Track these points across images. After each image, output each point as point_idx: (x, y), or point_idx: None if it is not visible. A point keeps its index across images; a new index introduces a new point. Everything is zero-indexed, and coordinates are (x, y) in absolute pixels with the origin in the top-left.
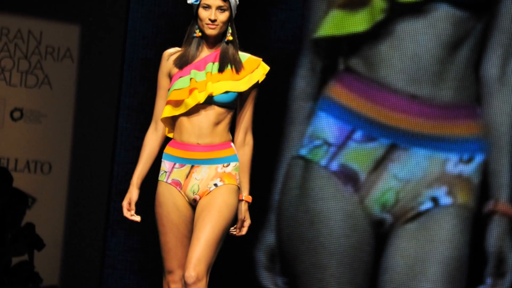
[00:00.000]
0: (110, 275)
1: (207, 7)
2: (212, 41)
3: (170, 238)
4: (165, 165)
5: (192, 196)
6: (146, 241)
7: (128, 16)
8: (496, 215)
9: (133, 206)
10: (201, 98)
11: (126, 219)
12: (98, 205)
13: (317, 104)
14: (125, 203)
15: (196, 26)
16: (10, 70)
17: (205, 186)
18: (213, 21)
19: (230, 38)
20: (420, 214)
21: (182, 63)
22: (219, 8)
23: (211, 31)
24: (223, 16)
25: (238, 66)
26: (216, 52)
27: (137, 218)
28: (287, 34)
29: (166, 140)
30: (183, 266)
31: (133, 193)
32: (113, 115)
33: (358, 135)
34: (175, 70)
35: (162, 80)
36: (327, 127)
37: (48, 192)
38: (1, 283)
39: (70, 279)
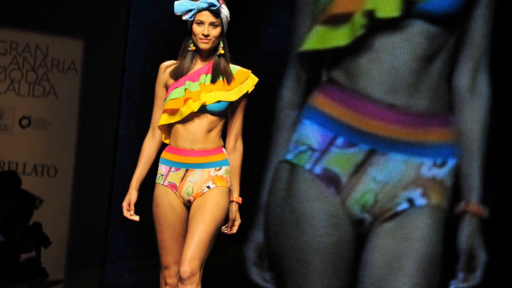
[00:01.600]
0: (111, 271)
1: (201, 23)
2: (205, 55)
3: (167, 236)
4: (162, 169)
5: (186, 197)
6: (145, 239)
7: (128, 31)
8: (467, 215)
9: (132, 207)
10: (195, 107)
11: (126, 218)
12: (100, 205)
13: (302, 112)
14: (125, 204)
15: (190, 41)
16: (19, 81)
17: (198, 188)
18: (206, 36)
19: (222, 51)
20: (397, 214)
21: (177, 74)
22: (212, 24)
23: (204, 45)
24: (215, 32)
25: (229, 78)
26: (209, 64)
27: (136, 218)
28: (275, 48)
29: (162, 146)
30: (178, 262)
31: (132, 195)
32: (114, 122)
33: (340, 141)
34: (171, 81)
35: (159, 90)
36: (311, 133)
37: (54, 194)
38: (10, 277)
39: (74, 274)
